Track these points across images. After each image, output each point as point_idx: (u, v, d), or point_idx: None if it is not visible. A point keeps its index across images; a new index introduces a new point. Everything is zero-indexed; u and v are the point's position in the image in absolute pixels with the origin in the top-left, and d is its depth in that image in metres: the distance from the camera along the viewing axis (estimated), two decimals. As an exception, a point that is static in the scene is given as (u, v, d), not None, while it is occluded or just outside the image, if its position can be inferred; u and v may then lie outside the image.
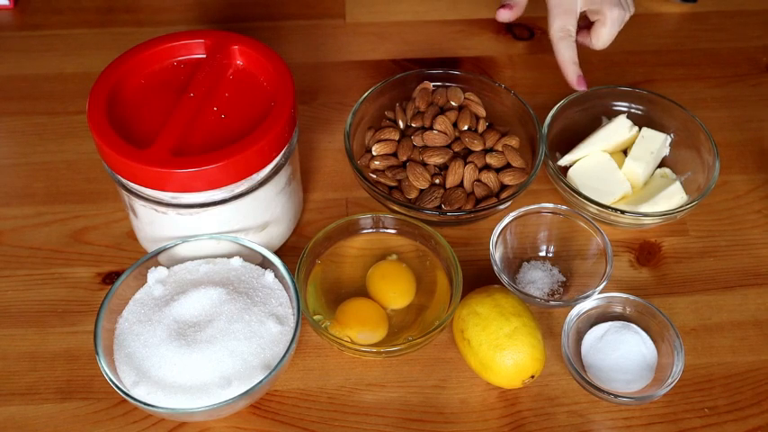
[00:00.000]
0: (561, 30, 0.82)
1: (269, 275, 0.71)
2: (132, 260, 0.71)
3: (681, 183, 0.81)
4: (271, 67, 0.71)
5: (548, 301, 0.74)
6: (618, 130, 0.82)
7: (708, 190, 0.78)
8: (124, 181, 0.68)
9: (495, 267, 0.73)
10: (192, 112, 0.68)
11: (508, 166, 0.81)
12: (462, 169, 0.79)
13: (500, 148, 0.81)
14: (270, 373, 0.64)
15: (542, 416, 0.69)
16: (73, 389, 0.70)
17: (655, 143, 0.82)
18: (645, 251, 0.79)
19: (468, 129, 0.82)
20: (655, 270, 0.78)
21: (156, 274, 0.70)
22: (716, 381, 0.71)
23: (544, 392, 0.70)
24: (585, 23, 0.86)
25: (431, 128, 0.81)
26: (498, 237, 0.74)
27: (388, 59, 0.96)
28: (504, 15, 0.84)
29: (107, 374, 0.64)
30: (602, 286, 0.72)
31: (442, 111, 0.83)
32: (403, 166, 0.81)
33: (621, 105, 0.86)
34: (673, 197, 0.79)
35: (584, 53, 0.97)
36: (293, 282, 0.69)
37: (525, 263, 0.77)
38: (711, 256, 0.79)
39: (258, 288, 0.70)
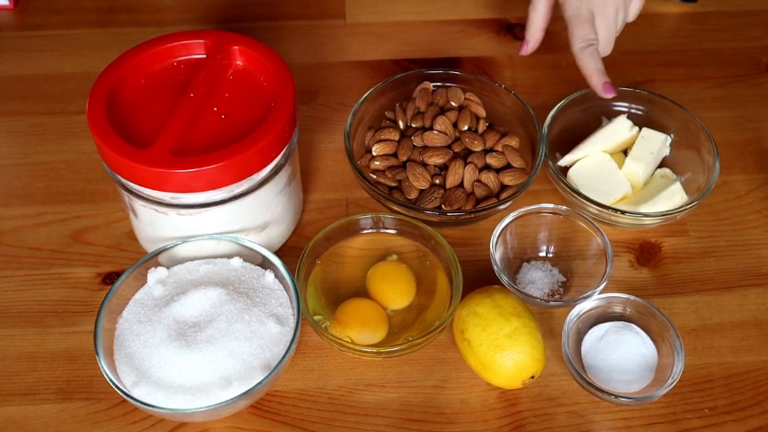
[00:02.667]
0: (583, 40, 0.79)
1: (269, 276, 0.71)
2: (132, 260, 0.71)
3: (681, 183, 0.81)
4: (271, 67, 0.71)
5: (548, 302, 0.74)
6: (618, 130, 0.82)
7: (708, 190, 0.78)
8: (124, 181, 0.68)
9: (495, 267, 0.73)
10: (192, 113, 0.68)
11: (508, 166, 0.81)
12: (462, 169, 0.79)
13: (500, 149, 0.81)
14: (270, 374, 0.64)
15: (542, 416, 0.69)
16: (73, 389, 0.70)
17: (655, 143, 0.82)
18: (645, 251, 0.79)
19: (469, 129, 0.82)
20: (655, 270, 0.78)
21: (156, 275, 0.70)
22: (716, 381, 0.71)
23: (544, 393, 0.70)
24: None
25: (431, 128, 0.81)
26: (498, 237, 0.74)
27: (388, 59, 0.96)
28: (523, 50, 0.84)
29: (107, 375, 0.64)
30: (602, 286, 0.72)
31: (443, 111, 0.83)
32: (403, 166, 0.81)
33: (621, 105, 0.86)
34: (673, 197, 0.79)
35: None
36: (293, 282, 0.69)
37: (525, 263, 0.77)
38: (711, 257, 0.79)
39: (258, 288, 0.70)
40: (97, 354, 0.65)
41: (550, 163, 0.80)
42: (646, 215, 0.77)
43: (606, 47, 0.81)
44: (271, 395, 0.70)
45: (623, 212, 0.77)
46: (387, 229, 0.77)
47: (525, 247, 0.78)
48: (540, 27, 0.83)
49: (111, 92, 0.69)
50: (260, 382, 0.63)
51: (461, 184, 0.79)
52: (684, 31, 1.00)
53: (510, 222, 0.75)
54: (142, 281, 0.70)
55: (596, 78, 0.80)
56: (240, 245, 0.71)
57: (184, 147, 0.66)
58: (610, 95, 0.80)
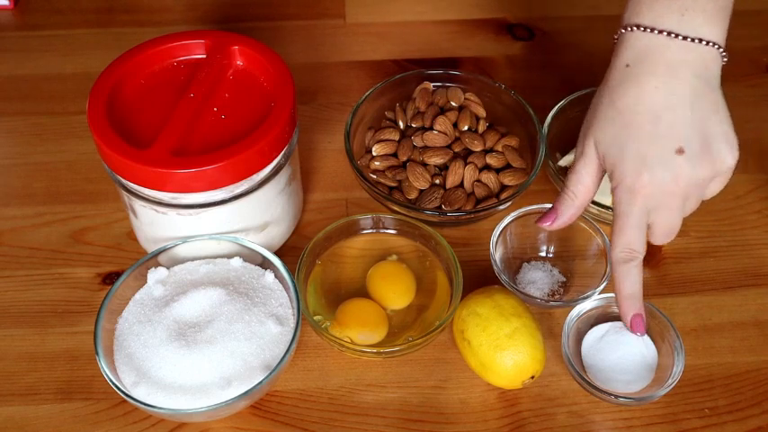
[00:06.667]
0: (625, 249, 0.63)
1: (269, 276, 0.71)
2: (132, 260, 0.71)
3: (681, 183, 0.80)
4: (271, 67, 0.71)
5: (548, 302, 0.74)
6: (618, 130, 0.82)
7: (708, 190, 0.78)
8: (124, 181, 0.68)
9: (495, 268, 0.73)
10: (192, 113, 0.68)
11: (508, 166, 0.81)
12: (462, 170, 0.79)
13: (500, 149, 0.81)
14: (270, 374, 0.64)
15: (542, 416, 0.69)
16: (73, 389, 0.70)
17: (655, 143, 0.82)
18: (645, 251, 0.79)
19: (469, 129, 0.82)
20: (655, 270, 0.78)
21: (156, 275, 0.70)
22: (716, 381, 0.71)
23: (544, 393, 0.70)
24: None
25: (431, 128, 0.81)
26: (498, 237, 0.74)
27: (388, 59, 0.96)
28: (547, 224, 0.69)
29: (107, 375, 0.64)
30: (602, 287, 0.72)
31: (443, 111, 0.83)
32: (403, 166, 0.81)
33: (622, 105, 0.86)
34: (673, 197, 0.79)
35: (577, 53, 0.97)
36: (293, 282, 0.69)
37: (525, 263, 0.77)
38: (712, 257, 0.79)
39: (258, 288, 0.70)
40: (97, 354, 0.65)
41: (550, 163, 0.79)
42: (646, 215, 0.77)
43: (663, 238, 0.65)
44: (271, 395, 0.70)
45: (623, 212, 0.76)
46: (387, 229, 0.77)
47: (525, 247, 0.78)
48: (579, 204, 0.67)
49: (111, 92, 0.69)
50: (260, 383, 0.63)
51: (461, 185, 0.79)
52: (684, 31, 1.00)
53: (510, 222, 0.75)
54: (142, 281, 0.70)
55: (627, 305, 0.65)
56: (240, 245, 0.71)
57: (184, 147, 0.66)
58: (638, 333, 0.66)
